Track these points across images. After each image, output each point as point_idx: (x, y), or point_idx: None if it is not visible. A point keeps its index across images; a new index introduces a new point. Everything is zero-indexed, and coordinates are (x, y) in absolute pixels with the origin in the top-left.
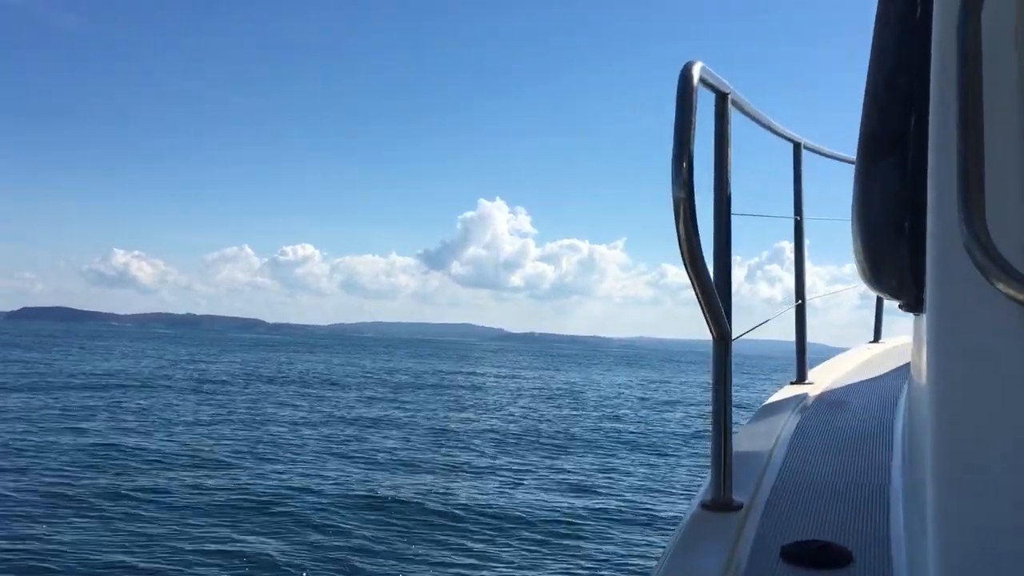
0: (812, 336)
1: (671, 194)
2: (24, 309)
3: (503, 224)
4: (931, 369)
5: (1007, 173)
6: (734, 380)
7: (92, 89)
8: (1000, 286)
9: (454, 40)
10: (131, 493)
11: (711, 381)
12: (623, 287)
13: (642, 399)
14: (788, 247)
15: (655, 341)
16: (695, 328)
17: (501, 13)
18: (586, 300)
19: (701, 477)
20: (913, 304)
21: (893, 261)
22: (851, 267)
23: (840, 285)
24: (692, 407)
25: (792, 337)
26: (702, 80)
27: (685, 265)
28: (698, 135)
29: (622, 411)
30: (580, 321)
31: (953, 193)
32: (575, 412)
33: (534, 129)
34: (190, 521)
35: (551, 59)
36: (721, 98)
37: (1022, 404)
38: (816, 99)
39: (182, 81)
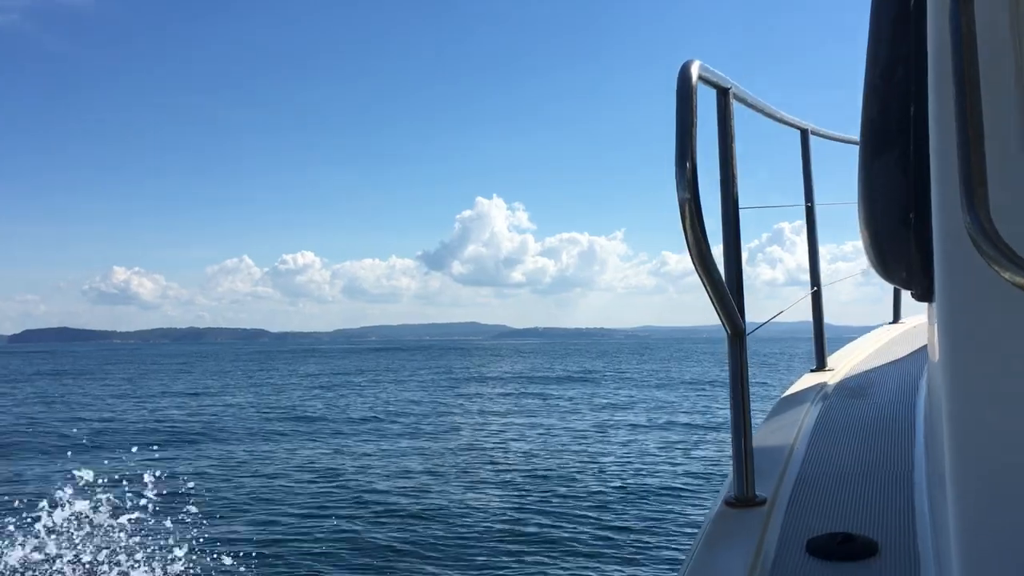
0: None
1: (676, 196)
2: (26, 332)
3: (502, 221)
4: (943, 359)
5: (1008, 160)
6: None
7: (85, 110)
8: (1005, 274)
9: (444, 40)
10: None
11: (728, 377)
12: (624, 277)
13: (655, 388)
14: (788, 227)
15: (661, 329)
16: (699, 315)
17: (491, 10)
18: (588, 292)
19: (725, 471)
20: (924, 293)
21: (901, 253)
22: (852, 244)
23: (842, 263)
24: (705, 398)
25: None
26: (701, 77)
27: (695, 265)
28: (701, 132)
29: (636, 404)
30: (584, 313)
31: (955, 183)
32: (589, 409)
33: (528, 125)
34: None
35: (543, 54)
36: (722, 93)
37: None
38: (821, 93)
39: (176, 95)
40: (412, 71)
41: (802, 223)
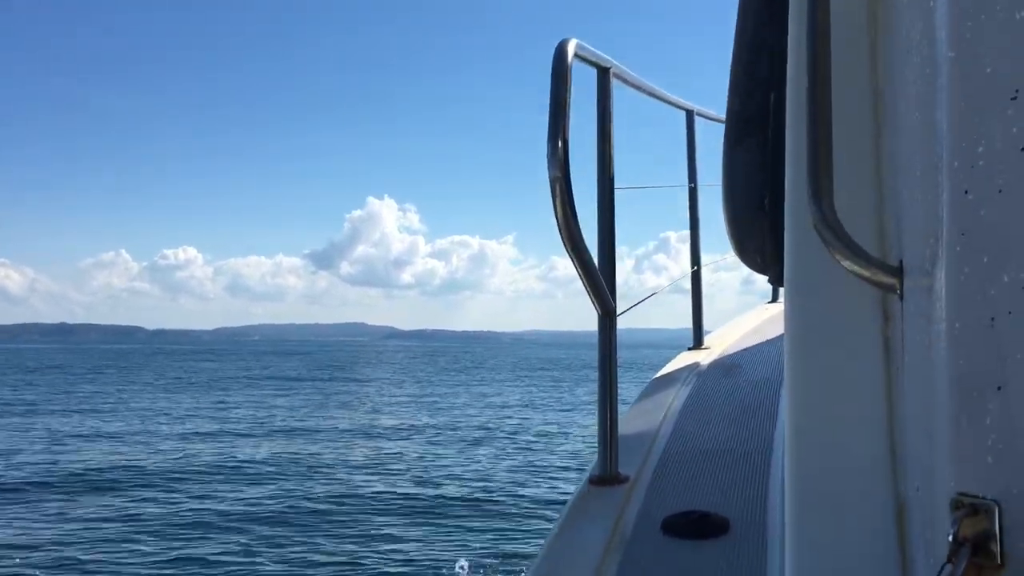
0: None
1: (547, 175)
2: None
3: (392, 222)
4: (788, 344)
5: (856, 154)
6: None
7: None
8: (846, 264)
9: (335, 37)
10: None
11: (597, 358)
12: (514, 281)
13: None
14: (674, 236)
15: (547, 333)
16: (586, 320)
17: (380, 10)
18: (477, 295)
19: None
20: (777, 278)
21: (756, 238)
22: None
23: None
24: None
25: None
26: (579, 56)
27: (564, 244)
28: (584, 112)
29: (515, 399)
30: (472, 316)
31: (804, 174)
32: (468, 404)
33: (422, 126)
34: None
35: (434, 55)
36: (602, 73)
37: (873, 382)
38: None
39: (49, 80)
40: (301, 65)
41: (686, 230)
